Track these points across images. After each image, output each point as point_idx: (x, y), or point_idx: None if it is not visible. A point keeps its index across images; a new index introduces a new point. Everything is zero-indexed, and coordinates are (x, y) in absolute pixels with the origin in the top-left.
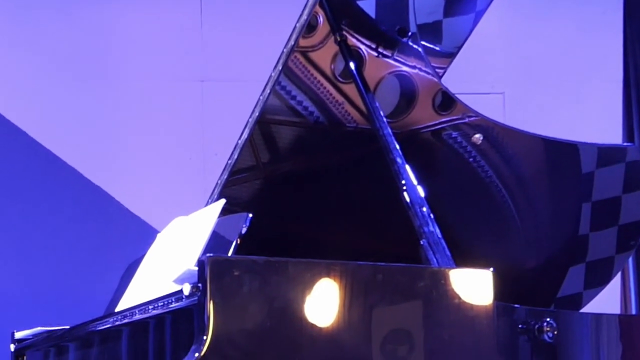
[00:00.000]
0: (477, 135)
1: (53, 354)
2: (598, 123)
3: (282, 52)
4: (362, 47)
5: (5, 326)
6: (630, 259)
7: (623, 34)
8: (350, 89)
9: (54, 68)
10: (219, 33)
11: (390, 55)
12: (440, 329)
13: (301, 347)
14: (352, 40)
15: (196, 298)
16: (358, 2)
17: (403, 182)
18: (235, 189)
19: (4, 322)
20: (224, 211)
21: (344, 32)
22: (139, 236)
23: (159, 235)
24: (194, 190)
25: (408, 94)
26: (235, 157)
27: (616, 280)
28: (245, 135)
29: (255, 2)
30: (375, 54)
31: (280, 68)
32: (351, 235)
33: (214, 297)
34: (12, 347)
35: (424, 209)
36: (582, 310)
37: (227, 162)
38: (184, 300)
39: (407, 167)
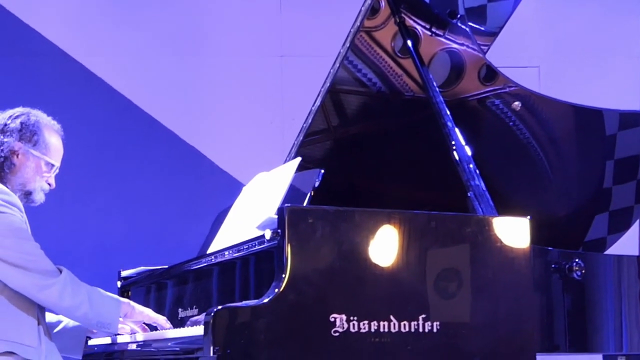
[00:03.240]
0: (516, 103)
1: (154, 289)
2: (620, 92)
3: (350, 31)
4: (418, 27)
5: (113, 266)
6: None
7: None
8: (407, 63)
9: (157, 45)
10: (295, 14)
11: (442, 34)
12: (485, 268)
13: (365, 284)
14: (409, 22)
15: (276, 242)
16: None
17: (453, 142)
18: (309, 149)
19: (112, 262)
20: (300, 168)
21: (403, 15)
22: (227, 189)
23: (244, 188)
24: (274, 150)
25: (457, 68)
26: (310, 121)
27: (635, 227)
28: (318, 103)
29: None
30: (429, 33)
31: (348, 45)
32: (408, 188)
33: (292, 241)
34: (119, 283)
35: (471, 165)
36: (606, 252)
37: (303, 126)
38: (265, 243)
39: (457, 129)
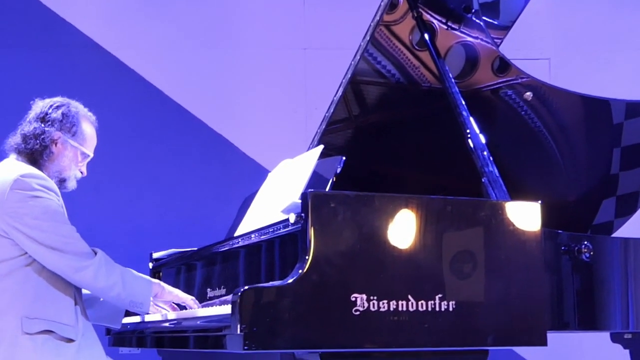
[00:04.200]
0: (527, 93)
1: (184, 270)
2: (627, 83)
3: (370, 25)
4: (435, 21)
5: (145, 248)
6: None
7: None
8: (425, 56)
9: (186, 37)
10: (318, 9)
11: (457, 28)
12: (498, 250)
13: (384, 265)
14: (426, 16)
15: (300, 225)
16: None
17: (468, 131)
18: (332, 137)
19: (145, 244)
20: (322, 155)
21: (420, 9)
22: (253, 175)
23: (269, 174)
24: (298, 138)
25: (472, 60)
26: (332, 110)
27: None
28: (339, 93)
29: None
30: (445, 27)
31: (368, 38)
32: (425, 174)
33: (315, 224)
34: (151, 265)
35: (485, 152)
36: (613, 235)
37: (325, 115)
38: (290, 227)
39: (471, 118)
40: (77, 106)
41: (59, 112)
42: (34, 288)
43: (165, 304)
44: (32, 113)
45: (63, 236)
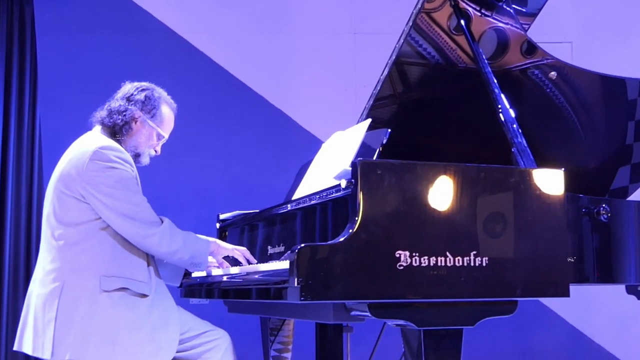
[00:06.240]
0: (552, 73)
1: (247, 230)
2: None
3: (412, 12)
4: (470, 9)
5: (213, 210)
6: None
7: None
8: (461, 39)
9: (251, 23)
10: None
11: (490, 14)
12: (526, 212)
13: (425, 225)
14: (462, 4)
15: (350, 190)
16: None
17: (499, 106)
18: (378, 112)
19: (213, 207)
20: (370, 128)
21: None
22: (309, 145)
23: (323, 144)
24: (349, 112)
25: (503, 43)
26: (378, 88)
27: None
28: (385, 73)
29: None
30: (479, 14)
31: (410, 24)
32: (462, 145)
33: (363, 189)
34: (218, 225)
35: (515, 125)
36: (628, 199)
37: (372, 92)
38: (341, 191)
39: (502, 95)
40: (160, 92)
41: (143, 94)
42: (111, 249)
43: (221, 261)
44: (120, 92)
45: (134, 205)
